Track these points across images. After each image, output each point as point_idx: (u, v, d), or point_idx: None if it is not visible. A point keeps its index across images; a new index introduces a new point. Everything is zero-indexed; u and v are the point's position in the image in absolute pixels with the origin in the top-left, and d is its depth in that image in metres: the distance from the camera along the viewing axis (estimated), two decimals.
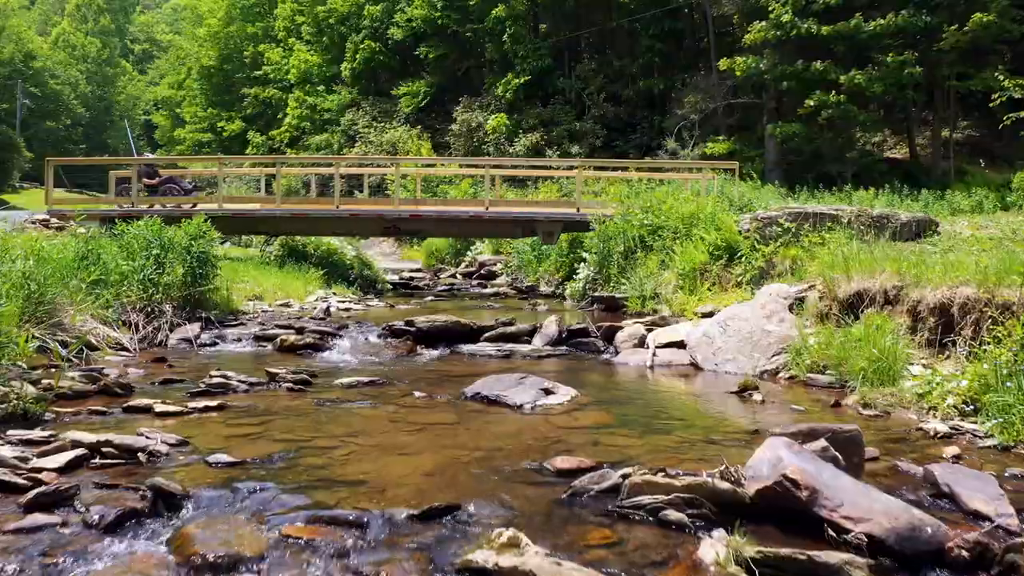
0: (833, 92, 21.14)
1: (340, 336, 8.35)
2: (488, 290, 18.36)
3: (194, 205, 15.76)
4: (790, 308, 7.20)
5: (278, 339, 7.98)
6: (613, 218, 12.83)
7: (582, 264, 13.12)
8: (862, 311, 6.39)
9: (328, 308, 10.13)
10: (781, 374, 6.41)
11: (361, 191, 24.36)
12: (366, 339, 8.36)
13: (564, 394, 5.54)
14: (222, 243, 20.25)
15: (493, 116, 30.84)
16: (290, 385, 5.84)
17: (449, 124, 32.81)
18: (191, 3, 54.29)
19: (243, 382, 5.84)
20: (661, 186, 18.81)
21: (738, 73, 23.37)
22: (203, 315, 9.19)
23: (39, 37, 71.88)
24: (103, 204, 18.28)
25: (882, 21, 20.59)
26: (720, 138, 25.36)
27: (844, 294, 6.44)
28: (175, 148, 54.74)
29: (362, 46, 37.12)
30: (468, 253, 22.54)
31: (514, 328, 8.36)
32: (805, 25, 21.37)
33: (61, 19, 77.43)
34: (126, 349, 7.55)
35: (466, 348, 7.96)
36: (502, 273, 21.14)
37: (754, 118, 25.78)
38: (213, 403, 5.13)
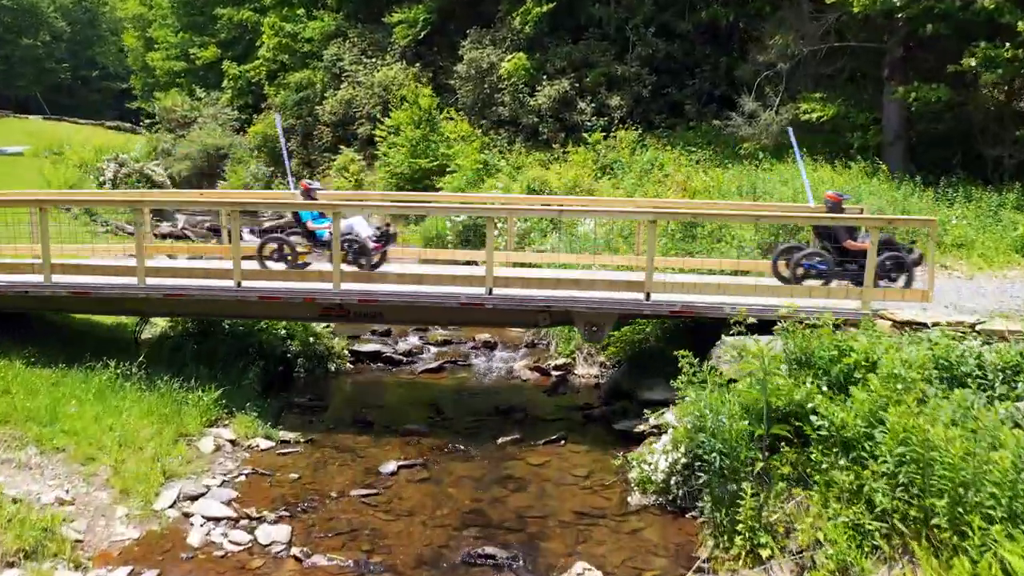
0: (1008, 44, 14.25)
1: None
2: (499, 364, 12.31)
3: None
4: None
5: None
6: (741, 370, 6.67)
7: (662, 440, 7.09)
8: None
9: None
10: None
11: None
12: None
13: None
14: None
15: (509, 56, 23.91)
16: None
17: (455, 63, 25.93)
18: None
19: None
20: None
21: (855, 9, 16.32)
22: None
23: None
24: None
25: None
26: (817, 95, 18.45)
27: None
28: (150, 77, 47.89)
29: None
30: None
31: None
32: None
33: None
34: None
35: None
36: None
37: (868, 71, 18.79)
38: None
